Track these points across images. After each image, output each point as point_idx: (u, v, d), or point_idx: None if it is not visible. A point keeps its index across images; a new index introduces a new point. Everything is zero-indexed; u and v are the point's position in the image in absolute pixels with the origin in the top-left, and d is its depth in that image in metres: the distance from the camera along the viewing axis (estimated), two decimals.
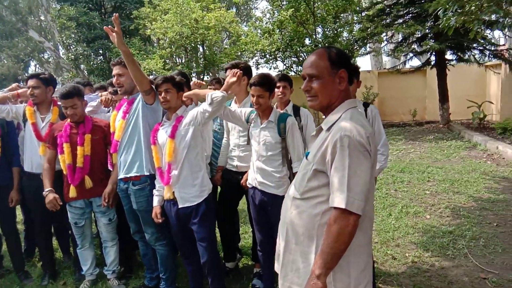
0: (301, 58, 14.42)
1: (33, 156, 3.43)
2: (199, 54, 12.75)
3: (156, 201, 2.99)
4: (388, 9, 11.58)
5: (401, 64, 13.14)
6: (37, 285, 3.54)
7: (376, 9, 11.92)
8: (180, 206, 2.89)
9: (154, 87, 2.98)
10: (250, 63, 13.97)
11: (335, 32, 13.19)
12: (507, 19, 9.18)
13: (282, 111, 3.31)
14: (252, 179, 3.00)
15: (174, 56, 13.19)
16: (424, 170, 6.84)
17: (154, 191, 3.00)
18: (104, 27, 2.86)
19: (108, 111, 3.91)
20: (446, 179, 6.19)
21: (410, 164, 7.40)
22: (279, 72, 3.50)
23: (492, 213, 4.66)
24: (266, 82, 2.87)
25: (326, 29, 13.41)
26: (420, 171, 6.80)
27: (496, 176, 6.27)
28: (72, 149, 3.18)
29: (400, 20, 11.32)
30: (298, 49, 13.73)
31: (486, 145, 8.32)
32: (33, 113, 3.42)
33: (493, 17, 8.52)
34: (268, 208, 2.95)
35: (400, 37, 12.75)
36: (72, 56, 12.34)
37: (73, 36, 12.47)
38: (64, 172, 3.22)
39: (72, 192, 3.18)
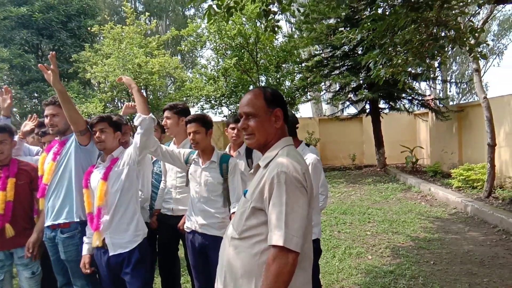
0: None
1: None
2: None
3: (85, 250, 2.74)
4: (325, 61, 12.39)
5: (340, 111, 13.92)
6: None
7: (315, 60, 12.70)
8: (111, 254, 2.66)
9: (89, 127, 2.84)
10: (195, 108, 14.04)
11: (278, 80, 13.78)
12: (430, 72, 10.20)
13: (234, 152, 3.30)
14: (192, 222, 2.90)
15: (116, 100, 12.91)
16: (365, 211, 7.05)
17: (84, 239, 2.77)
18: (39, 64, 2.74)
19: (36, 154, 3.65)
20: (385, 219, 6.41)
21: (352, 206, 7.61)
22: (231, 114, 3.54)
23: (428, 252, 4.85)
24: (200, 118, 2.89)
25: (269, 78, 13.98)
26: (361, 212, 7.00)
27: (430, 216, 6.61)
28: None
29: (337, 71, 12.12)
30: (242, 95, 14.09)
31: (420, 187, 8.84)
32: None
33: (418, 69, 9.45)
34: (209, 252, 2.85)
35: (337, 86, 13.60)
36: None
37: (5, 78, 11.80)
38: None
39: None
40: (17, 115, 12.69)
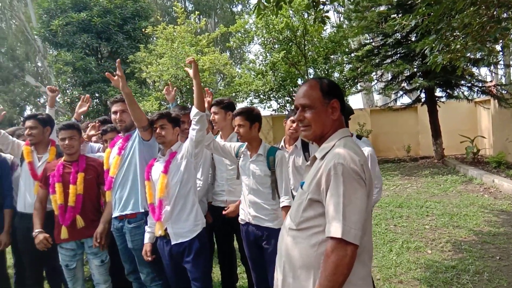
0: (294, 98, 14.73)
1: (27, 195, 3.38)
2: (193, 95, 12.94)
3: (147, 238, 2.92)
4: (376, 49, 11.98)
5: (392, 101, 13.41)
6: None
7: (365, 50, 12.33)
8: (173, 243, 2.81)
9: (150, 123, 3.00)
10: (245, 103, 14.22)
11: (326, 72, 13.56)
12: (491, 56, 9.54)
13: (290, 146, 3.35)
14: (245, 214, 2.97)
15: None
16: (422, 204, 6.78)
17: (146, 228, 2.95)
18: (106, 73, 2.94)
19: (98, 151, 3.92)
20: (445, 213, 6.13)
21: (408, 199, 7.35)
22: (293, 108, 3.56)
23: (493, 247, 4.58)
24: (245, 112, 2.94)
25: (317, 70, 13.79)
26: (418, 205, 6.74)
27: (495, 209, 6.22)
28: (64, 189, 3.12)
29: (389, 60, 11.68)
30: (291, 89, 14.04)
31: (482, 179, 8.33)
32: (30, 152, 3.41)
33: (478, 55, 8.87)
34: (263, 244, 2.91)
35: (389, 75, 13.12)
36: (68, 100, 12.46)
37: (69, 80, 12.66)
38: (56, 213, 3.15)
39: (64, 233, 3.09)
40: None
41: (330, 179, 1.47)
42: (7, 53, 15.78)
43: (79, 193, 3.14)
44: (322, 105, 1.63)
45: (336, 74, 14.04)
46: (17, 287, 3.93)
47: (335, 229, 1.41)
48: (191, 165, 2.87)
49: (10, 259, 4.33)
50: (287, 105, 15.04)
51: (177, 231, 2.81)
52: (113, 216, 3.10)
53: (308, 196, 1.56)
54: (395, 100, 13.50)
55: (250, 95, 14.06)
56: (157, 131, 2.90)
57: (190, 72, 2.86)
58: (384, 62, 11.74)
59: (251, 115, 2.95)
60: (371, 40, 13.56)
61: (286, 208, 2.80)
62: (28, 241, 3.22)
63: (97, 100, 13.13)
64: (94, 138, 4.06)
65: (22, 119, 3.62)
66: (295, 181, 3.26)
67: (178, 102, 13.29)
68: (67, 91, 12.88)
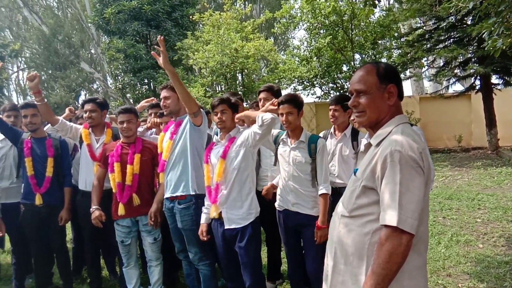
0: (338, 84, 14.43)
1: (88, 175, 3.61)
2: (238, 82, 13.09)
3: (203, 219, 3.01)
4: (428, 34, 11.42)
5: (444, 88, 12.79)
6: None
7: (416, 34, 11.79)
8: (226, 227, 2.87)
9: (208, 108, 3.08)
10: (288, 90, 14.14)
11: (374, 57, 13.15)
12: None
13: (340, 133, 3.34)
14: (284, 201, 2.99)
15: (215, 84, 13.61)
16: (474, 197, 6.49)
17: (203, 209, 3.03)
18: (152, 52, 3.07)
19: (151, 134, 4.09)
20: (498, 206, 5.84)
21: (458, 191, 7.06)
22: (335, 95, 3.56)
23: None
24: (294, 99, 2.92)
25: (364, 55, 13.41)
26: (470, 198, 6.46)
27: None
28: (122, 168, 3.32)
29: (442, 45, 11.11)
30: (336, 75, 13.78)
31: None
32: (88, 135, 3.64)
33: None
34: (302, 230, 2.94)
35: (441, 61, 12.49)
36: (120, 86, 13.06)
37: (120, 67, 13.22)
38: (114, 190, 3.35)
39: (121, 209, 3.29)
40: (131, 99, 14.18)
41: (386, 166, 1.44)
42: (64, 41, 16.73)
43: (135, 173, 3.32)
44: (378, 90, 1.58)
45: (384, 60, 13.57)
46: (75, 260, 4.26)
47: (390, 217, 1.38)
48: (249, 154, 2.89)
49: (69, 234, 4.68)
50: (331, 92, 14.79)
51: (231, 217, 2.86)
52: (165, 196, 3.24)
53: (361, 183, 1.53)
54: (447, 87, 12.84)
55: (294, 81, 13.97)
56: (218, 116, 2.93)
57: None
58: (437, 47, 11.19)
59: (298, 102, 2.94)
60: (422, 24, 12.93)
61: (324, 196, 2.83)
62: (88, 217, 3.46)
63: (146, 86, 13.62)
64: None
65: (80, 103, 3.84)
66: (340, 169, 3.25)
67: (222, 88, 13.49)
68: (119, 77, 13.47)
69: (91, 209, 3.33)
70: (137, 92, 13.49)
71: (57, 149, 3.68)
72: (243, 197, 2.86)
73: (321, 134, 3.44)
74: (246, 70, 12.33)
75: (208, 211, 2.99)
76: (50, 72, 17.57)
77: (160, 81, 12.50)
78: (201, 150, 3.20)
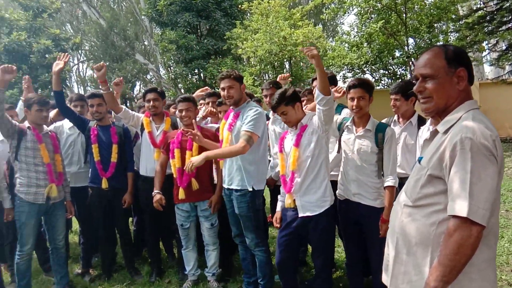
0: (390, 71, 13.93)
1: (148, 161, 3.80)
2: (285, 70, 13.03)
3: (278, 207, 3.06)
4: (490, 15, 10.67)
5: (507, 74, 11.94)
6: (146, 281, 3.84)
7: (476, 16, 11.06)
8: (300, 215, 2.84)
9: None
10: (337, 78, 13.86)
11: (429, 42, 12.52)
12: None
13: (404, 121, 3.24)
14: (345, 190, 2.91)
15: (262, 73, 13.66)
16: None
17: (279, 197, 3.08)
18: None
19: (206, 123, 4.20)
20: None
21: None
22: (396, 84, 3.41)
23: None
24: (366, 83, 2.81)
25: (418, 40, 12.81)
26: None
27: None
28: (181, 154, 3.46)
29: (505, 27, 10.34)
30: (388, 61, 13.30)
31: None
32: (149, 123, 3.82)
33: None
34: (362, 221, 2.85)
35: (504, 45, 11.65)
36: (172, 76, 13.51)
37: (172, 57, 13.64)
38: (174, 176, 3.52)
39: (181, 194, 3.45)
40: (182, 89, 14.60)
41: (456, 154, 1.38)
42: (120, 33, 17.55)
43: None
44: (446, 75, 1.50)
45: (440, 43, 12.88)
46: (136, 242, 4.53)
47: (460, 208, 1.33)
48: (322, 140, 2.83)
49: (75, 228, 4.91)
50: (384, 78, 14.32)
51: (305, 204, 2.82)
52: (223, 185, 3.35)
53: (427, 172, 1.48)
54: (510, 72, 11.98)
55: (343, 69, 13.67)
56: (282, 114, 2.89)
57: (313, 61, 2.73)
58: (499, 29, 10.44)
59: (369, 87, 2.81)
60: (483, 5, 12.08)
61: (390, 188, 2.70)
62: (149, 201, 3.66)
63: (196, 76, 13.95)
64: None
65: (140, 93, 4.02)
66: (403, 159, 3.14)
67: (270, 77, 13.50)
68: (171, 67, 13.91)
69: (153, 193, 3.51)
70: (188, 82, 13.87)
71: (121, 136, 3.90)
72: (317, 185, 2.81)
73: (383, 120, 3.31)
74: (294, 58, 12.22)
75: (283, 199, 2.99)
76: (107, 64, 18.55)
77: (210, 71, 12.75)
78: (260, 142, 3.19)
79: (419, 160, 1.60)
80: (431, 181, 1.48)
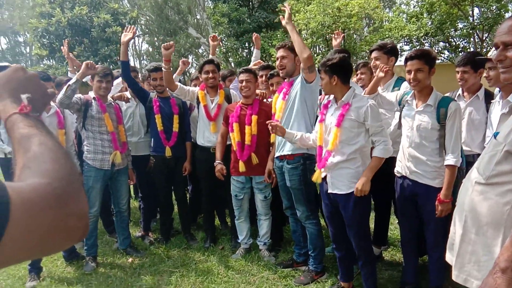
0: (452, 43, 13.05)
1: (205, 132, 3.92)
2: None
3: None
4: None
5: None
6: (201, 247, 4.04)
7: None
8: (329, 191, 2.84)
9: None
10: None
11: (497, 12, 11.50)
12: None
13: (469, 95, 3.06)
14: (402, 167, 2.81)
15: (314, 47, 13.34)
16: None
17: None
18: (281, 6, 3.06)
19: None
20: None
21: None
22: (462, 55, 3.18)
23: None
24: (425, 55, 2.63)
25: (485, 9, 11.81)
26: None
27: None
28: (240, 128, 3.54)
29: None
30: (450, 33, 12.44)
31: None
32: (204, 96, 3.91)
33: None
34: (418, 200, 2.76)
35: None
36: (224, 50, 13.58)
37: (224, 31, 13.69)
38: (234, 148, 3.61)
39: (242, 167, 3.54)
40: (232, 63, 14.69)
41: None
42: (174, 7, 17.85)
43: (253, 133, 3.51)
44: None
45: (509, 15, 11.81)
46: (192, 208, 4.74)
47: None
48: (363, 126, 2.72)
49: None
50: (444, 52, 13.46)
51: (336, 182, 2.80)
52: (275, 156, 3.39)
53: (504, 148, 1.41)
54: None
55: (401, 41, 12.98)
56: (324, 81, 2.78)
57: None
58: None
59: (430, 59, 2.62)
60: None
61: (451, 167, 2.55)
62: (206, 170, 3.81)
63: (246, 50, 13.93)
64: None
65: (199, 65, 4.05)
66: (468, 136, 2.96)
67: (322, 50, 13.15)
68: (222, 41, 13.97)
69: (215, 163, 3.64)
70: (238, 56, 13.90)
71: (181, 107, 4.06)
72: (351, 167, 2.74)
73: (447, 94, 3.14)
74: (347, 31, 11.78)
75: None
76: (161, 38, 19.02)
77: (261, 44, 12.65)
78: (311, 108, 3.21)
79: (495, 135, 1.52)
80: (508, 158, 1.41)
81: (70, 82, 3.35)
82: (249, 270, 3.47)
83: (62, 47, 4.47)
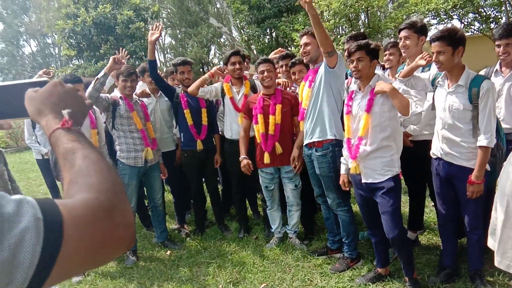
0: (483, 14, 12.42)
1: (233, 125, 3.95)
2: (361, 22, 12.27)
3: (343, 170, 3.01)
4: None
5: None
6: (235, 237, 4.12)
7: None
8: (363, 181, 2.81)
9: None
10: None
11: None
12: None
13: (507, 70, 2.94)
14: (437, 149, 2.78)
15: (337, 28, 13.04)
16: None
17: (342, 159, 3.02)
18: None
19: None
20: None
21: None
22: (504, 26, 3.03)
23: None
24: (447, 35, 2.53)
25: None
26: None
27: None
28: (265, 119, 3.54)
29: None
30: (479, 3, 11.84)
31: None
32: (230, 88, 3.93)
33: None
34: (455, 182, 2.71)
35: None
36: (245, 38, 13.51)
37: (245, 18, 13.59)
38: (258, 141, 3.62)
39: (267, 158, 3.56)
40: (255, 51, 14.61)
41: None
42: None
43: (277, 122, 3.52)
44: None
45: None
46: (224, 200, 4.82)
47: None
48: (393, 109, 2.68)
49: None
50: (474, 23, 12.85)
51: (369, 172, 2.78)
52: (304, 144, 3.38)
53: None
54: None
55: (427, 15, 12.47)
56: (354, 64, 2.68)
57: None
58: None
59: (453, 39, 2.52)
60: None
61: (484, 149, 2.49)
62: (235, 163, 3.85)
63: (268, 36, 13.80)
64: None
65: (225, 57, 4.01)
66: (507, 113, 2.85)
67: (345, 31, 12.84)
68: (243, 29, 13.90)
69: (240, 158, 3.67)
70: (260, 43, 13.79)
71: (207, 101, 4.09)
72: (384, 154, 2.72)
73: (482, 72, 3.02)
74: (371, 8, 11.43)
75: (346, 162, 2.96)
76: (183, 30, 19.13)
77: (283, 29, 12.50)
78: (338, 94, 3.18)
79: None
80: None
81: (99, 76, 3.45)
82: (283, 259, 3.51)
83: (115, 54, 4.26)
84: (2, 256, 0.48)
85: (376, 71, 2.89)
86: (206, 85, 3.96)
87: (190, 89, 3.86)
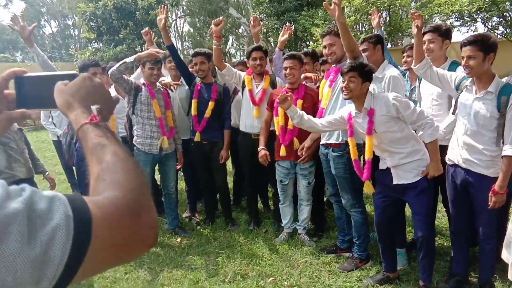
0: (508, 18, 12.15)
1: (248, 118, 3.95)
2: (382, 20, 12.10)
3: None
4: None
5: None
6: (245, 229, 4.14)
7: None
8: (394, 183, 2.78)
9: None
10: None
11: None
12: None
13: None
14: (455, 155, 2.73)
15: (357, 25, 12.89)
16: None
17: None
18: (324, 3, 2.89)
19: None
20: None
21: None
22: None
23: None
24: (479, 41, 2.49)
25: None
26: None
27: None
28: (285, 112, 3.53)
29: None
30: (506, 7, 11.57)
31: None
32: (250, 81, 3.94)
33: None
34: (471, 190, 2.67)
35: None
36: (264, 30, 13.42)
37: (265, 10, 13.50)
38: (277, 133, 3.63)
39: (282, 151, 3.57)
40: (273, 43, 14.53)
41: None
42: None
43: None
44: None
45: None
46: (235, 192, 4.86)
47: None
48: (397, 118, 2.66)
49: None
50: (499, 27, 12.58)
51: (402, 173, 2.75)
52: (321, 143, 3.38)
53: None
54: None
55: (451, 17, 12.23)
56: (345, 84, 2.71)
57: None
58: None
59: (486, 45, 2.49)
60: None
61: (509, 158, 2.44)
62: (248, 156, 3.86)
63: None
64: None
65: (247, 52, 4.01)
66: None
67: (366, 28, 12.69)
68: (263, 21, 13.81)
69: (258, 148, 3.67)
70: (278, 36, 13.68)
71: (220, 94, 4.05)
72: (413, 157, 2.71)
73: (504, 80, 2.98)
74: (393, 7, 11.26)
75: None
76: (202, 19, 19.12)
77: (302, 23, 12.40)
78: None
79: None
80: None
81: (127, 60, 3.48)
82: (292, 254, 3.54)
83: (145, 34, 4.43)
84: (35, 252, 0.48)
85: (392, 73, 2.88)
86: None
87: (217, 62, 3.91)
